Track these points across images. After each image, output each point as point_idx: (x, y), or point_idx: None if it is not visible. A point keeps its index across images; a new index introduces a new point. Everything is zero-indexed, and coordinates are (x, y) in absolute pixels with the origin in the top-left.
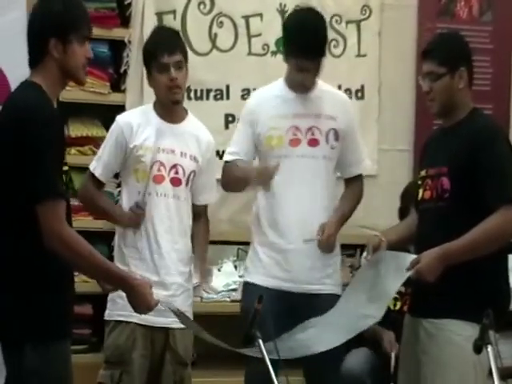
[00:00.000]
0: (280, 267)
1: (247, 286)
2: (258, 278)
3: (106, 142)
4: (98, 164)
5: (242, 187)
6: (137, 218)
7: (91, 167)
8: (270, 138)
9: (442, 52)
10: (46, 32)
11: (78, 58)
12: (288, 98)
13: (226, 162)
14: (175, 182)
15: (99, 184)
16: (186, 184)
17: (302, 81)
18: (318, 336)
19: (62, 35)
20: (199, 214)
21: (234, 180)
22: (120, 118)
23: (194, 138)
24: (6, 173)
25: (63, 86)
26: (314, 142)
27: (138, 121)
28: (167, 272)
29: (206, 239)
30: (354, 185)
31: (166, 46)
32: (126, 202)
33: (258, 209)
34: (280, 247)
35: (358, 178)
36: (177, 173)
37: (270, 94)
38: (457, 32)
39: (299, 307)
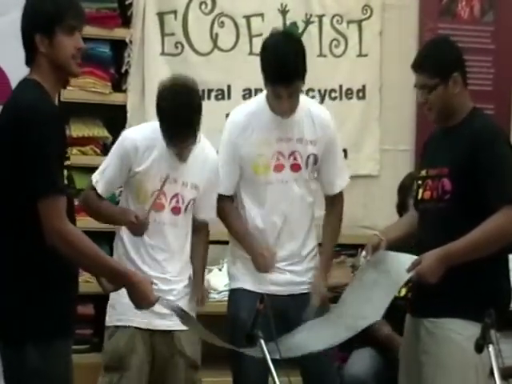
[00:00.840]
0: (266, 273)
1: (235, 292)
2: (246, 284)
3: (111, 158)
4: (101, 180)
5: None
6: (140, 224)
7: (94, 180)
8: (256, 166)
9: (431, 63)
10: (31, 28)
11: (67, 50)
12: (271, 120)
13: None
14: (175, 210)
15: (100, 196)
16: (185, 211)
17: (280, 107)
18: (317, 335)
19: (46, 29)
20: (199, 227)
21: (227, 225)
22: (127, 140)
23: (197, 163)
24: (6, 171)
25: (61, 81)
26: (296, 167)
27: (145, 144)
28: (165, 283)
29: (205, 252)
30: (332, 207)
31: (181, 137)
32: (127, 205)
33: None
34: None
35: (337, 197)
36: (177, 202)
37: (252, 116)
38: (444, 37)
39: (287, 308)
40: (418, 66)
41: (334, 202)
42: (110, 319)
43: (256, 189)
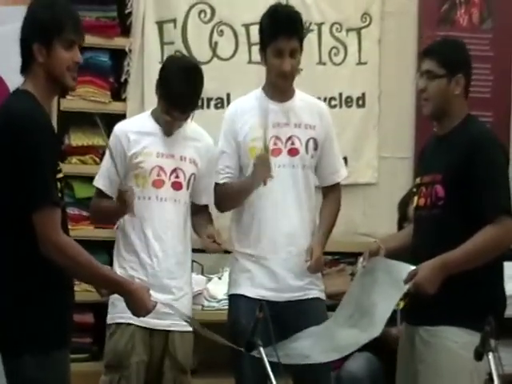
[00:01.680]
0: (266, 278)
1: (235, 298)
2: (246, 290)
3: (106, 154)
4: (100, 177)
5: (241, 200)
6: (125, 200)
7: (94, 182)
8: (252, 150)
9: (443, 54)
10: (30, 37)
11: (63, 63)
12: (268, 107)
13: (217, 184)
14: (176, 186)
15: (107, 198)
16: (187, 188)
17: (282, 66)
18: (316, 346)
19: (45, 40)
20: (200, 210)
21: (234, 196)
22: (117, 129)
23: (192, 141)
24: (4, 174)
25: (54, 93)
26: (294, 152)
27: (135, 129)
28: (166, 276)
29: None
30: (331, 194)
31: (181, 106)
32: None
33: (240, 220)
34: (264, 258)
35: (336, 187)
36: (177, 177)
37: (248, 104)
38: (461, 40)
39: (286, 315)
40: (429, 51)
41: (334, 191)
42: (111, 317)
43: None
